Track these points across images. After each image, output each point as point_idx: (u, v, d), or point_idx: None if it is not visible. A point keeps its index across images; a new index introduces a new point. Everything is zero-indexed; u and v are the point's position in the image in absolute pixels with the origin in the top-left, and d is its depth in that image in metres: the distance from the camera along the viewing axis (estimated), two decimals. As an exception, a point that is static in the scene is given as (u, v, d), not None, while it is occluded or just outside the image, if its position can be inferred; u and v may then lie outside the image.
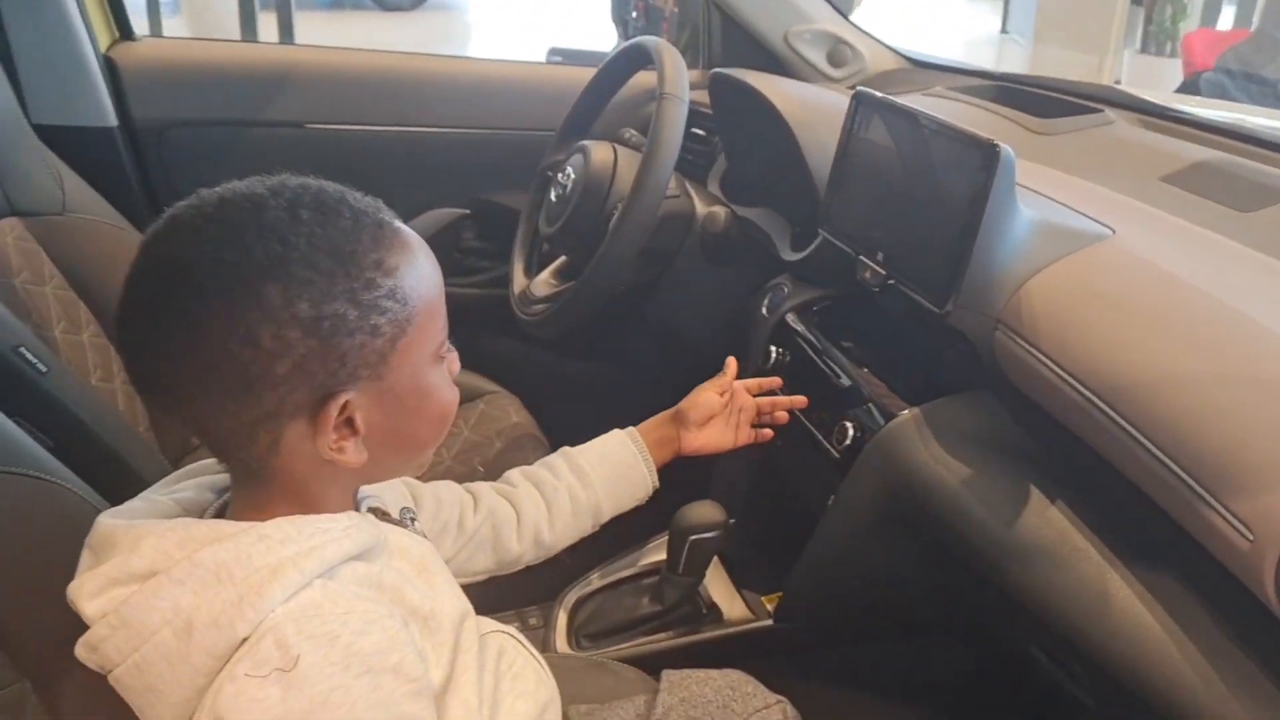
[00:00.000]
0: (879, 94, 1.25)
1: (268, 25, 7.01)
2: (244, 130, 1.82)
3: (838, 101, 1.57)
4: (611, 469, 1.23)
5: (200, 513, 0.80)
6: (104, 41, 1.74)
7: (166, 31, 7.02)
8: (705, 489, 1.63)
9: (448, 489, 1.13)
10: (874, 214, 1.24)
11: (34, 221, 1.49)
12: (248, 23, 6.88)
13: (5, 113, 1.49)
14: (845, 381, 1.30)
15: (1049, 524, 1.02)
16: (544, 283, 1.61)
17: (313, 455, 0.73)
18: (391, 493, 0.98)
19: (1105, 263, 1.03)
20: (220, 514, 0.80)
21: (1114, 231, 1.07)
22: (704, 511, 1.29)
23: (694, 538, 1.28)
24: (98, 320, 1.54)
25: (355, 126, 1.86)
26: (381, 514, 0.88)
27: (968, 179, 1.04)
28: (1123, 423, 0.88)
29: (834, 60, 1.88)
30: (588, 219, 1.49)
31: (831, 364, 1.33)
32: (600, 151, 1.53)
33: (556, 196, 1.55)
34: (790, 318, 1.43)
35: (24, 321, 1.38)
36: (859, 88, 1.29)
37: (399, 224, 0.75)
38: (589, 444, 1.25)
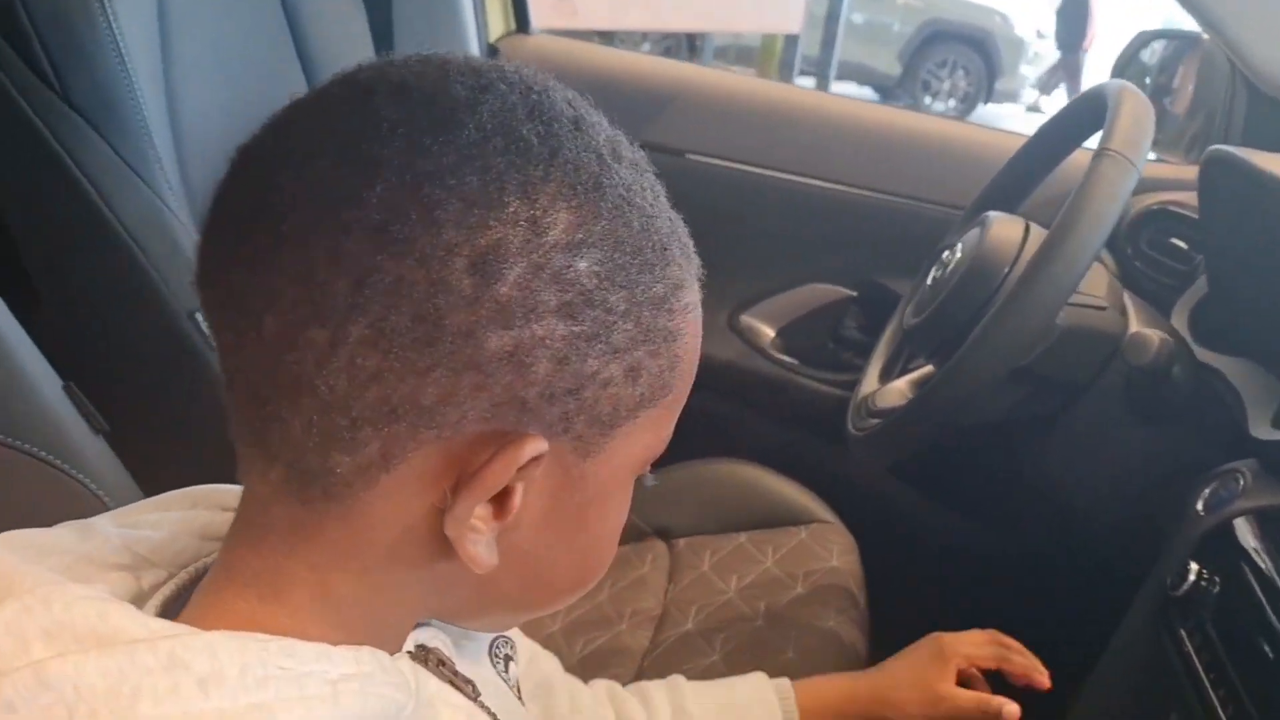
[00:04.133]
0: None
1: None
2: None
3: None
4: None
5: (172, 566, 0.50)
6: (496, 31, 1.59)
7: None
8: None
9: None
10: None
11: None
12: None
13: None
14: None
15: None
16: (896, 392, 1.20)
17: (422, 518, 0.44)
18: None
19: None
20: (194, 582, 0.50)
21: None
22: None
23: None
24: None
25: (739, 165, 1.56)
26: (433, 659, 0.54)
27: None
28: None
29: None
30: (963, 312, 1.06)
31: None
32: (1006, 226, 1.09)
33: (934, 279, 1.14)
34: (1240, 526, 0.90)
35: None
36: None
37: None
38: (718, 682, 0.91)
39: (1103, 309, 1.06)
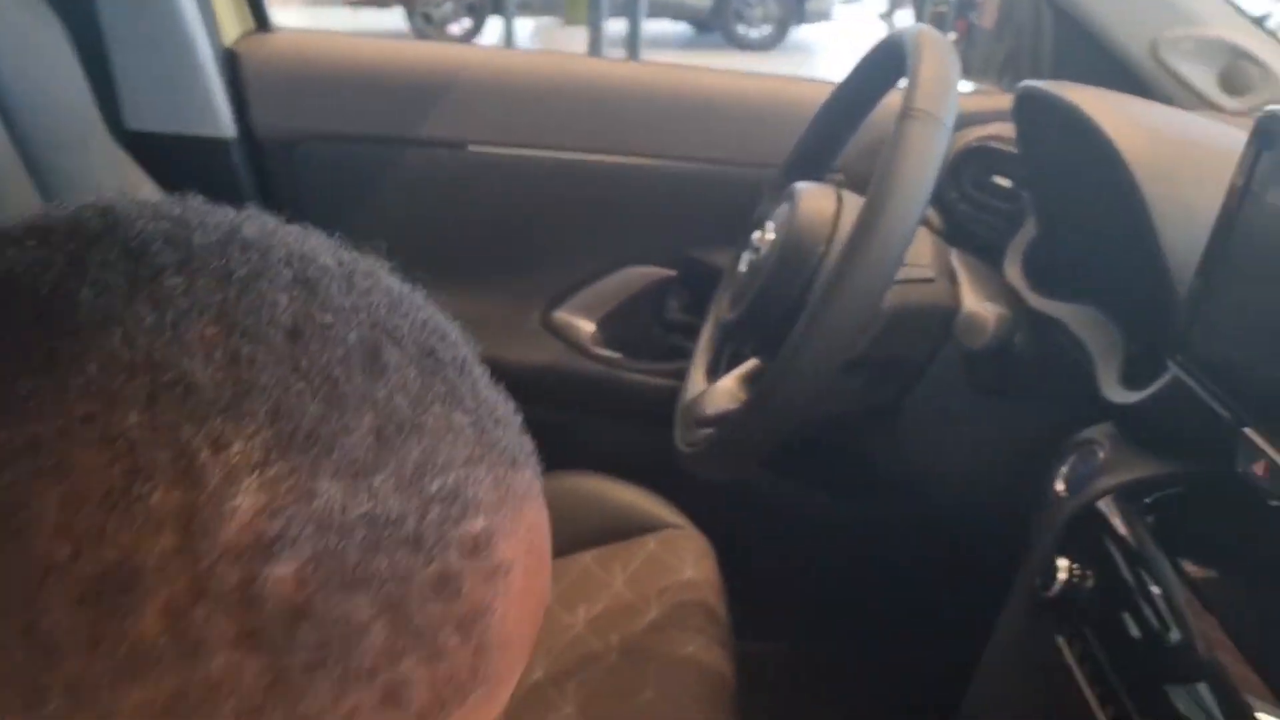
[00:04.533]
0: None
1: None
2: (395, 149, 1.41)
3: (1223, 141, 0.94)
4: None
5: None
6: (231, 32, 1.39)
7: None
8: None
9: None
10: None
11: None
12: (595, 55, 6.78)
13: (72, 111, 1.16)
14: (1176, 635, 0.69)
15: None
16: (724, 393, 1.08)
17: None
18: None
19: None
20: None
21: None
22: None
23: None
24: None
25: (535, 151, 1.40)
26: None
27: None
28: None
29: (1231, 83, 1.22)
30: (783, 300, 0.95)
31: (1164, 603, 0.72)
32: (816, 198, 0.98)
33: (749, 264, 1.02)
34: (1105, 507, 0.82)
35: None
36: (1266, 108, 0.69)
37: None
38: None
39: (930, 280, 0.96)
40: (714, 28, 9.68)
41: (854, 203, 0.98)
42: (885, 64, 1.03)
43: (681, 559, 1.26)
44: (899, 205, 0.80)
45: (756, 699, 1.20)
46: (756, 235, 1.03)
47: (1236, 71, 1.22)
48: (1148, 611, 0.74)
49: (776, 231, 0.99)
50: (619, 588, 1.24)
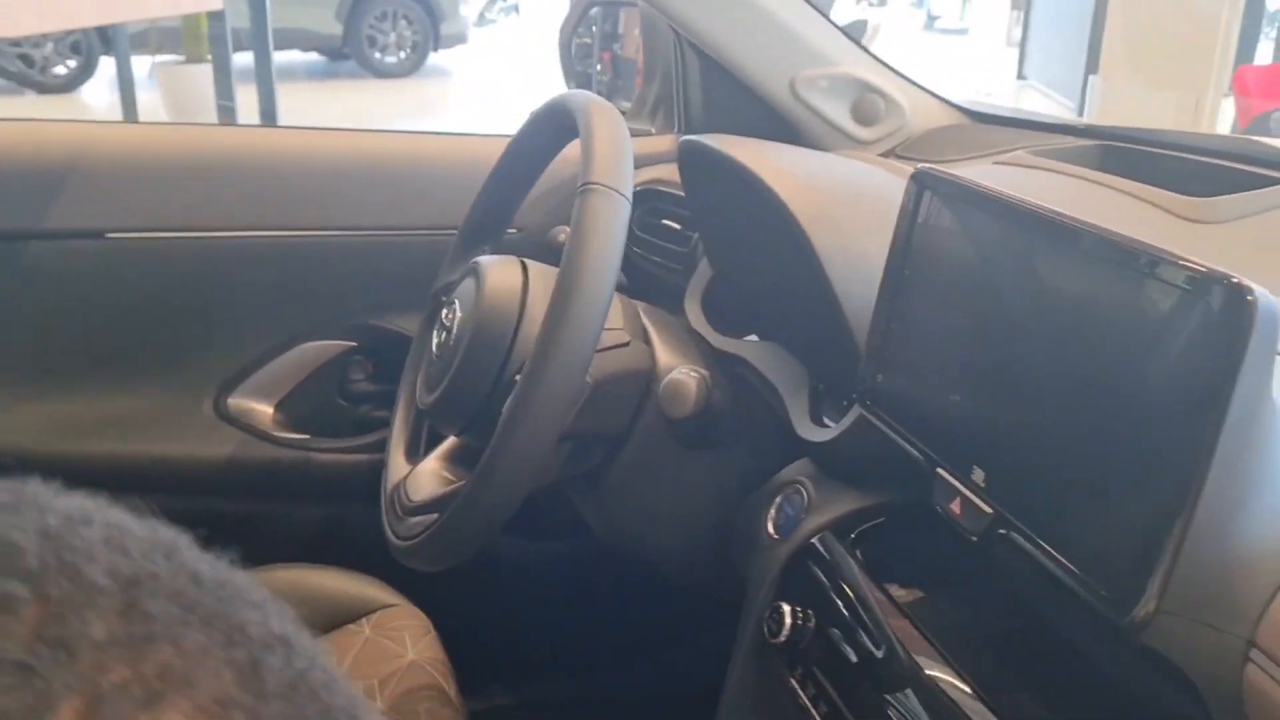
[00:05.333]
0: (957, 177, 0.71)
1: (247, 98, 6.47)
2: (17, 245, 1.26)
3: (873, 180, 1.02)
4: None
5: None
6: None
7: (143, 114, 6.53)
8: None
9: None
10: (968, 391, 0.69)
11: None
12: (224, 93, 6.38)
13: None
14: (883, 650, 0.74)
15: None
16: (430, 475, 1.04)
17: None
18: None
19: None
20: None
21: None
22: None
23: None
24: None
25: (182, 234, 1.30)
26: None
27: (1182, 352, 0.51)
28: None
29: (862, 115, 1.32)
30: (481, 383, 0.93)
31: (874, 626, 0.76)
32: (502, 272, 0.97)
33: (438, 346, 0.99)
34: (817, 544, 0.86)
35: None
36: (921, 166, 0.75)
37: None
38: None
39: (626, 344, 0.97)
40: (348, 56, 9.45)
41: (540, 273, 0.97)
42: (555, 127, 1.03)
43: (401, 640, 1.21)
44: (592, 279, 0.80)
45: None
46: (444, 313, 1.00)
47: (866, 104, 1.32)
48: (862, 636, 0.78)
49: (464, 309, 0.96)
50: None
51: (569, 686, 1.52)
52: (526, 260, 0.99)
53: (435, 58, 9.80)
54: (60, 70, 8.18)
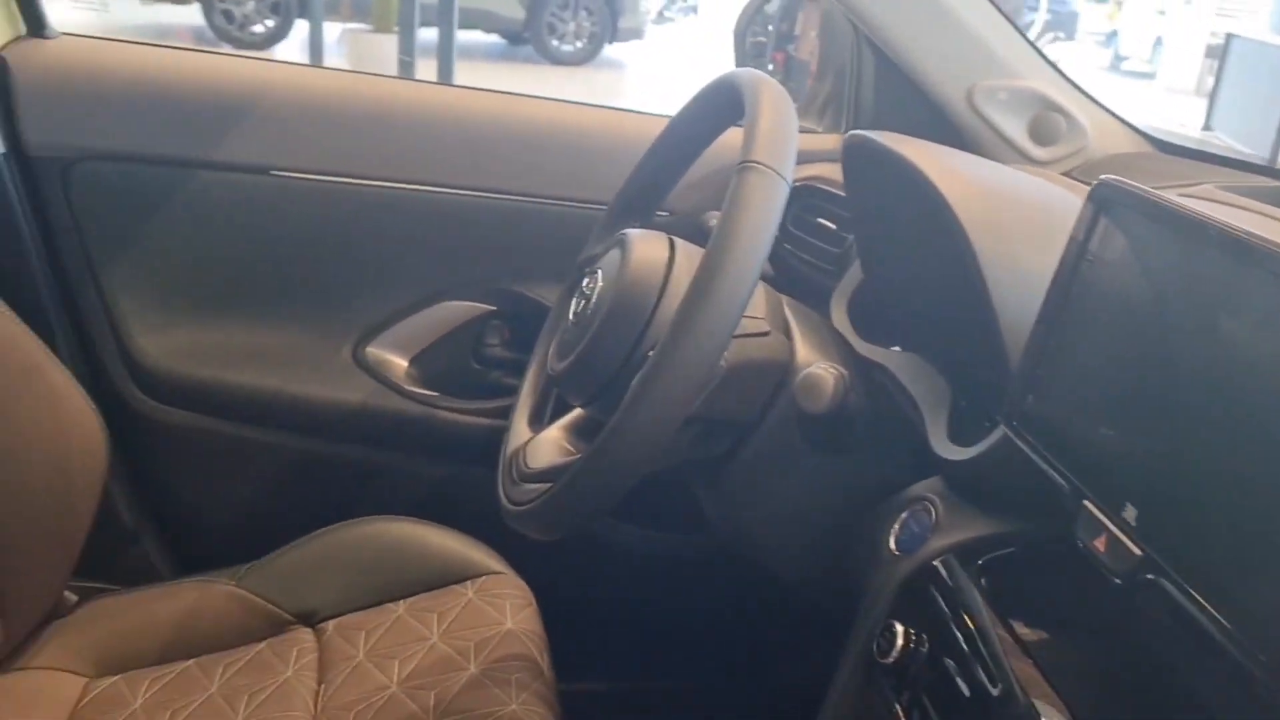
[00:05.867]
0: (1146, 190, 0.66)
1: (426, 70, 6.65)
2: (187, 173, 1.30)
3: (1046, 194, 0.96)
4: None
5: None
6: (1, 37, 1.26)
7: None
8: None
9: None
10: (1127, 422, 0.64)
11: None
12: (406, 49, 6.56)
13: None
14: (999, 689, 0.69)
15: None
16: (551, 444, 1.03)
17: None
18: None
19: None
20: None
21: None
22: None
23: None
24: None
25: (343, 179, 1.32)
26: None
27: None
28: None
29: (1040, 134, 1.26)
30: (614, 354, 0.91)
31: (992, 660, 0.71)
32: (648, 246, 0.95)
33: (575, 314, 0.98)
34: (939, 567, 0.81)
35: None
36: (1104, 177, 0.70)
37: None
38: None
39: (766, 334, 0.94)
40: (526, 41, 9.63)
41: (687, 252, 0.95)
42: (719, 106, 1.01)
43: (502, 608, 1.21)
44: (740, 259, 0.77)
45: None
46: (585, 282, 0.98)
47: (1046, 122, 1.26)
48: (978, 670, 0.73)
49: (606, 280, 0.95)
50: (435, 641, 1.17)
51: (661, 682, 1.49)
52: (676, 239, 0.97)
53: (610, 50, 9.91)
54: (258, 29, 8.55)
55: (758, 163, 0.80)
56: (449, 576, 1.24)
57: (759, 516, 1.01)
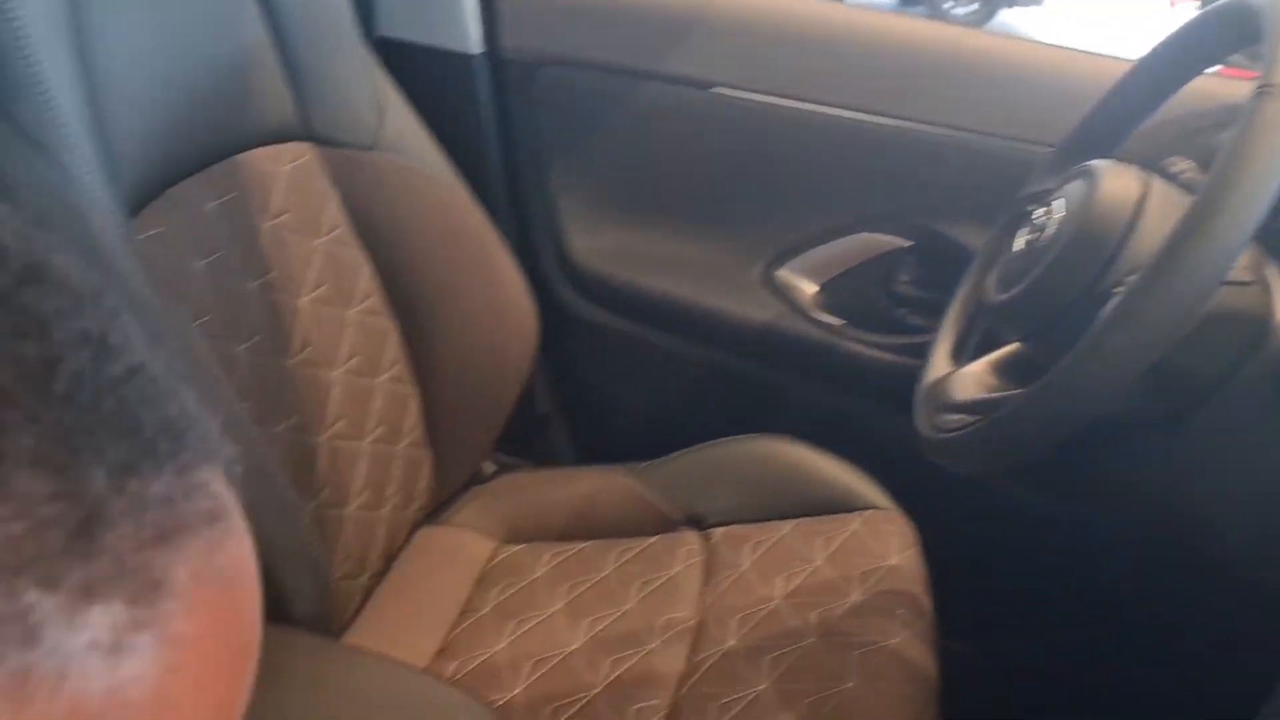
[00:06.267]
0: None
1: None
2: (637, 82, 1.36)
3: None
4: None
5: None
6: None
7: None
8: None
9: None
10: None
11: (331, 152, 1.14)
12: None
13: (330, 12, 1.15)
14: None
15: None
16: (975, 378, 0.99)
17: None
18: None
19: None
20: None
21: None
22: None
23: None
24: (383, 292, 1.18)
25: (775, 98, 1.33)
26: None
27: None
28: None
29: None
30: (1069, 287, 0.86)
31: None
32: (1120, 179, 0.88)
33: (1027, 243, 0.93)
34: None
35: (248, 277, 1.03)
36: None
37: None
38: None
39: (1246, 284, 0.85)
40: (919, 2, 9.38)
41: (1163, 190, 0.88)
42: (1221, 31, 0.91)
43: (886, 544, 1.20)
44: (1249, 191, 0.70)
45: (958, 704, 1.13)
46: (1040, 212, 0.93)
47: None
48: None
49: (1070, 208, 0.89)
50: (820, 564, 1.18)
51: (1050, 664, 1.42)
52: (1152, 176, 0.89)
53: (1006, 15, 9.44)
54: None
55: (1274, 85, 0.72)
56: (836, 504, 1.24)
57: (1214, 491, 0.92)
